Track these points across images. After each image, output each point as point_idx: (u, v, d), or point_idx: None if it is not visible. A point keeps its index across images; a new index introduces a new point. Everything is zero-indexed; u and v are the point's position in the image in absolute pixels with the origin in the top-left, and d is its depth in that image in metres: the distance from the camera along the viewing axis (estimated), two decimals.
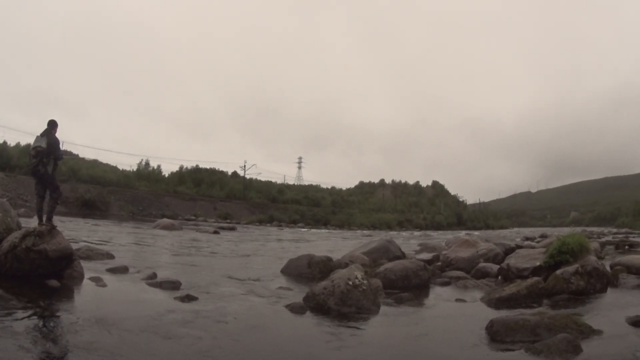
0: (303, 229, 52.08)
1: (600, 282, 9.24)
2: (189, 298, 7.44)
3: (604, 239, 27.87)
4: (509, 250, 13.39)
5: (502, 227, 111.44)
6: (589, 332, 5.91)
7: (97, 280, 8.21)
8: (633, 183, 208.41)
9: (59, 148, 9.38)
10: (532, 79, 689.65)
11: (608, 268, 10.70)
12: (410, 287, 9.87)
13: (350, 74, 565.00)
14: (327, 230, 53.36)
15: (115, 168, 70.00)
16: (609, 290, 9.34)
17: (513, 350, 5.36)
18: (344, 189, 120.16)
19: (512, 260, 10.98)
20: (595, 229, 65.13)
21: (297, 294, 8.38)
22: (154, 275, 9.28)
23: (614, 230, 63.87)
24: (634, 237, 33.20)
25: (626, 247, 22.62)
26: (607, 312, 7.48)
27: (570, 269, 9.11)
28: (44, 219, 8.93)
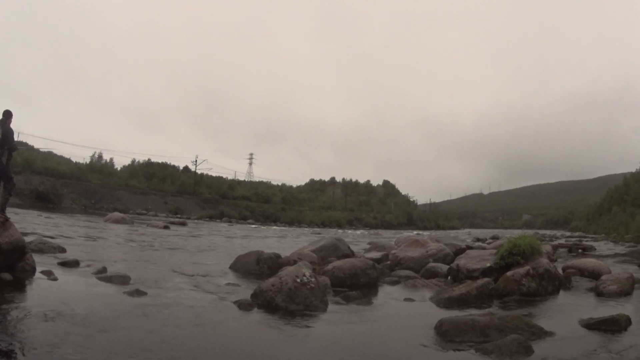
0: (253, 226, 52.44)
1: (552, 284, 9.51)
2: (138, 293, 7.62)
3: (556, 242, 28.82)
4: (459, 251, 13.68)
5: (453, 228, 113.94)
6: (541, 333, 6.03)
7: (48, 274, 8.46)
8: (586, 188, 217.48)
9: (14, 139, 9.38)
10: (496, 78, 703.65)
11: (560, 271, 11.01)
12: (358, 285, 9.91)
13: (302, 67, 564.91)
14: (277, 227, 53.76)
15: (68, 160, 70.53)
16: (562, 292, 9.65)
17: (462, 350, 5.41)
18: (294, 186, 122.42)
19: (462, 261, 11.17)
20: (547, 232, 67.62)
21: (246, 290, 8.48)
22: (104, 270, 9.50)
23: (567, 233, 66.37)
24: (587, 240, 34.48)
25: (579, 250, 23.42)
26: (560, 314, 7.69)
27: (522, 270, 9.34)
28: None
